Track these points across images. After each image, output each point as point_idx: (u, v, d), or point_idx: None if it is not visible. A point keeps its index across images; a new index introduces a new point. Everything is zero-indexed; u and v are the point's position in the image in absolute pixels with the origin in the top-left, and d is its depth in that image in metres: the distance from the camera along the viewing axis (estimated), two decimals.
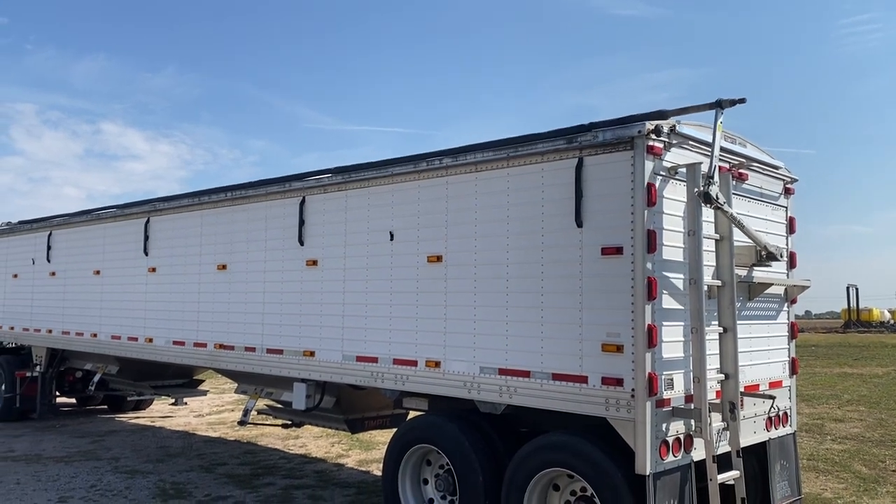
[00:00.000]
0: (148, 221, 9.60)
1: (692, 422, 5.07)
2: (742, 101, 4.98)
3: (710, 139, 5.56)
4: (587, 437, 5.17)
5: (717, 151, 5.08)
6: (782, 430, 6.32)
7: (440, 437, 6.06)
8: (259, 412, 8.69)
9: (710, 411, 5.05)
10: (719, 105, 5.02)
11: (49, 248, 11.75)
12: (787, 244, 6.59)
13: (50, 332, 11.67)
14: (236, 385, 8.97)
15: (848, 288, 63.81)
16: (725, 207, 5.18)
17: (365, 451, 10.33)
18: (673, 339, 5.10)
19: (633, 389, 4.88)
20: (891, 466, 9.47)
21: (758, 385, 6.04)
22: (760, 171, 6.23)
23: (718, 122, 5.07)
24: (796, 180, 6.68)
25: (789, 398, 6.48)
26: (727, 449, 5.37)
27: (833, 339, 45.69)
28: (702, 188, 5.00)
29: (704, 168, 5.13)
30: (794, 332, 6.61)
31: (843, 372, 22.61)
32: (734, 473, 5.27)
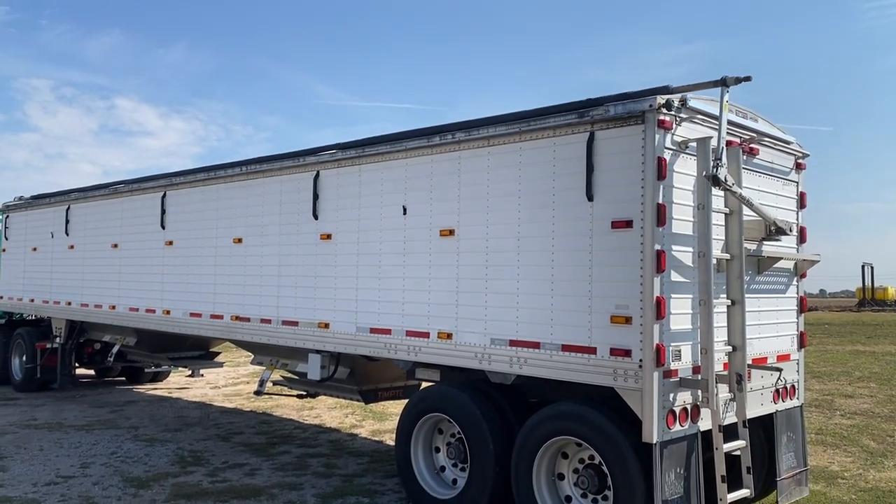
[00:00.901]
0: (165, 196, 9.74)
1: (699, 392, 5.17)
2: (747, 79, 5.00)
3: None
4: (595, 406, 5.29)
5: (723, 131, 5.11)
6: (789, 403, 6.41)
7: (452, 406, 6.20)
8: (275, 383, 8.87)
9: (717, 382, 5.14)
10: (724, 83, 5.04)
11: (67, 221, 11.94)
12: (797, 219, 6.62)
13: (69, 304, 11.90)
14: (252, 357, 9.15)
15: (863, 266, 63.49)
16: (734, 189, 5.23)
17: (378, 422, 10.52)
18: (681, 312, 5.18)
19: (640, 360, 4.98)
20: None
21: (766, 358, 6.13)
22: (772, 146, 6.25)
23: (725, 101, 5.08)
24: (808, 155, 6.69)
25: (797, 371, 6.56)
26: (734, 420, 5.47)
27: (846, 317, 45.55)
28: (710, 172, 5.04)
29: (713, 143, 5.16)
30: (803, 306, 6.67)
31: (856, 350, 22.61)
32: (740, 443, 5.37)
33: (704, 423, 5.29)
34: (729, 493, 5.29)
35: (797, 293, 6.62)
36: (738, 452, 5.47)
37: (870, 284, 63.34)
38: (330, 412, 11.33)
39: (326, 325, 7.35)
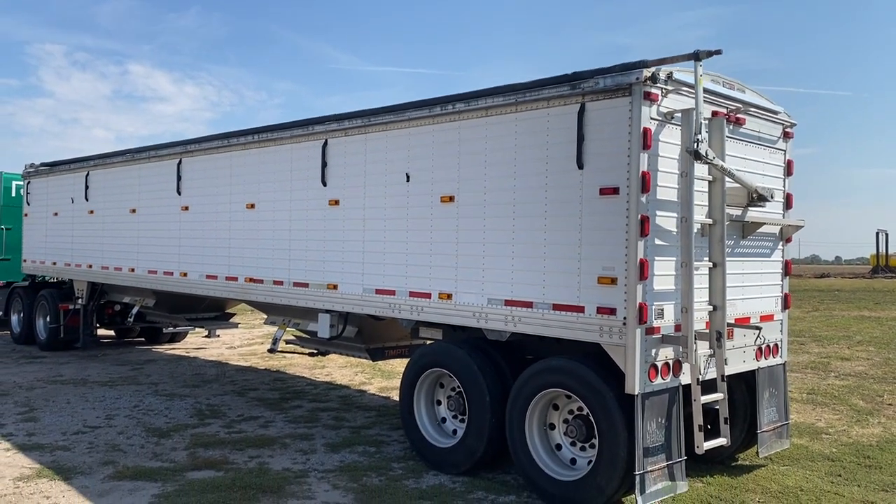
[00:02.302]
0: (180, 163, 10.12)
1: (680, 348, 5.53)
2: (718, 52, 5.24)
3: (707, 85, 5.86)
4: (583, 361, 5.66)
5: (700, 104, 5.33)
6: (772, 361, 6.76)
7: (451, 361, 6.60)
8: (287, 342, 9.32)
9: (697, 339, 5.50)
10: (696, 56, 5.27)
11: (87, 187, 12.37)
12: (784, 186, 6.90)
13: (90, 267, 12.39)
14: (265, 317, 9.59)
15: (877, 233, 63.12)
16: (716, 161, 5.51)
17: (386, 380, 10.99)
18: (664, 273, 5.51)
19: (625, 318, 5.34)
20: (888, 401, 9.89)
21: (749, 318, 6.47)
22: (758, 115, 6.51)
23: (699, 76, 5.32)
24: (795, 125, 6.95)
25: (780, 331, 6.90)
26: (714, 375, 5.83)
27: (858, 284, 45.63)
28: (692, 147, 5.33)
29: (699, 115, 5.45)
30: (787, 269, 6.98)
31: (861, 315, 22.86)
32: (718, 396, 5.74)
33: (685, 378, 5.66)
34: (707, 441, 5.69)
35: (782, 257, 6.93)
36: (717, 407, 5.86)
37: (884, 251, 63.05)
38: (340, 370, 11.82)
39: (335, 287, 7.76)
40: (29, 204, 14.48)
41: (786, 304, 6.97)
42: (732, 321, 6.15)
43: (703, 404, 5.58)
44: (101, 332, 14.41)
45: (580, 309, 5.62)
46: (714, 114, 5.84)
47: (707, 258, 5.77)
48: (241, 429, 8.01)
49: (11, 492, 5.95)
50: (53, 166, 13.71)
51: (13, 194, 15.69)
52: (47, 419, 8.31)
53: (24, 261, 14.70)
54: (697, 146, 5.31)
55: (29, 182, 14.45)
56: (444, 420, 6.97)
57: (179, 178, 10.13)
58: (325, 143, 7.87)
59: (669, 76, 5.41)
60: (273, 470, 6.55)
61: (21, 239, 14.84)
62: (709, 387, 5.78)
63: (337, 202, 7.76)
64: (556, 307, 5.77)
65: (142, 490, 5.99)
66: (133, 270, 11.20)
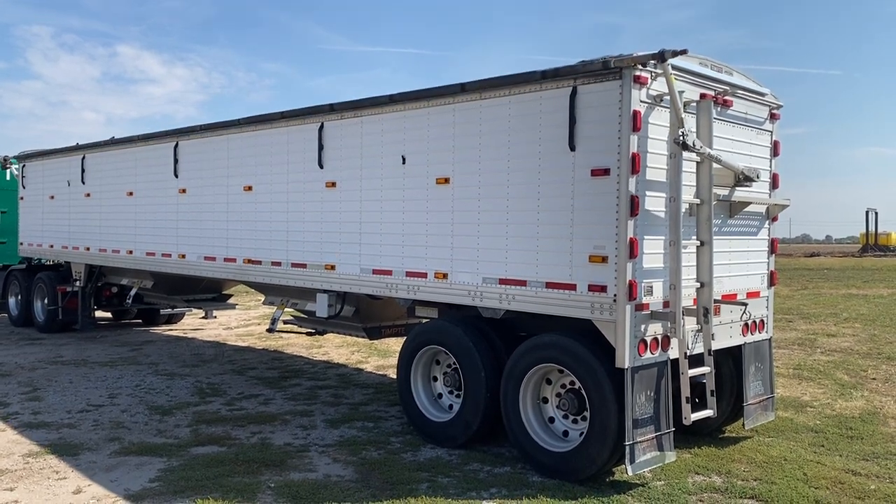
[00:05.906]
0: (177, 146, 10.22)
1: (668, 324, 5.73)
2: (684, 52, 5.38)
3: (695, 68, 6.05)
4: (575, 336, 5.86)
5: (677, 101, 5.47)
6: (758, 336, 6.98)
7: (448, 339, 6.80)
8: (285, 322, 9.49)
9: (684, 315, 5.70)
10: (661, 57, 5.36)
11: (83, 171, 12.45)
12: (770, 166, 7.09)
13: (88, 249, 12.51)
14: (262, 299, 9.75)
15: (867, 212, 63.63)
16: (702, 150, 5.68)
17: (382, 358, 11.20)
18: (654, 252, 5.70)
19: (615, 295, 5.53)
20: (871, 375, 10.16)
21: (735, 294, 6.67)
22: (746, 97, 6.67)
23: (670, 76, 5.42)
24: (781, 106, 7.12)
25: (766, 307, 7.11)
26: (702, 349, 6.04)
27: (847, 262, 46.07)
28: (680, 138, 5.48)
29: (688, 95, 5.60)
30: (773, 247, 7.18)
31: (849, 293, 23.19)
32: (705, 369, 5.95)
33: (673, 352, 5.87)
34: (694, 413, 5.91)
35: (768, 235, 7.13)
36: (704, 380, 6.07)
37: (873, 230, 63.57)
38: (337, 350, 12.02)
39: (333, 267, 7.93)
40: (25, 187, 14.55)
41: (772, 282, 7.17)
42: (719, 298, 6.35)
43: (690, 378, 5.80)
44: (98, 314, 14.55)
45: (572, 287, 5.81)
46: (702, 96, 6.01)
47: (695, 237, 5.96)
48: (241, 406, 8.20)
49: (21, 467, 6.13)
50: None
51: (7, 178, 15.75)
52: (51, 398, 8.48)
53: (21, 244, 14.80)
54: (685, 137, 5.47)
55: (24, 165, 14.52)
56: (440, 395, 7.18)
57: (176, 161, 10.24)
58: (322, 127, 7.99)
59: (660, 59, 5.55)
60: (275, 445, 6.74)
61: (16, 222, 14.93)
62: (696, 361, 5.99)
63: (334, 184, 7.91)
64: (549, 285, 5.96)
65: (148, 465, 6.18)
66: (131, 253, 11.33)
